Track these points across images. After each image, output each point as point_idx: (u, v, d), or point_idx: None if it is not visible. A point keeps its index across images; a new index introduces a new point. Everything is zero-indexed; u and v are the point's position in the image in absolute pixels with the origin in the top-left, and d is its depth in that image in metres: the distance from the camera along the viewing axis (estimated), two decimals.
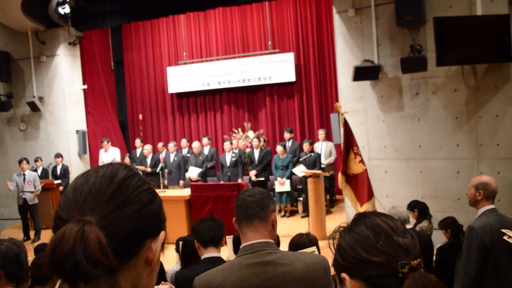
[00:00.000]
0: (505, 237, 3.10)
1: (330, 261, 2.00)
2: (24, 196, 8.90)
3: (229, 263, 2.04)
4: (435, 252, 4.92)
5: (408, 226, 4.43)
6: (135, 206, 0.84)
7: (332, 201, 10.12)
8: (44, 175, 10.10)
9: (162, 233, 0.90)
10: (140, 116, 13.22)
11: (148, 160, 10.43)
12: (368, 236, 1.11)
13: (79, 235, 0.74)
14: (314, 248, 3.19)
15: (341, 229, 1.20)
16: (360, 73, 7.79)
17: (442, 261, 4.72)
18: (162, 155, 10.52)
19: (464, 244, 3.51)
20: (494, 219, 3.42)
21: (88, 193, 0.83)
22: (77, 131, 11.05)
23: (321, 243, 3.95)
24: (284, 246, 3.86)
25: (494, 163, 7.06)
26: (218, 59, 12.22)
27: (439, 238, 5.65)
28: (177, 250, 4.22)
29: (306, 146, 9.16)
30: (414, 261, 1.05)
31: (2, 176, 10.81)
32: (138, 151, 10.93)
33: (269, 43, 11.71)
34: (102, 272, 0.75)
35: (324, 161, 9.56)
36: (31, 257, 3.91)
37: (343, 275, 1.13)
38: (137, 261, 0.84)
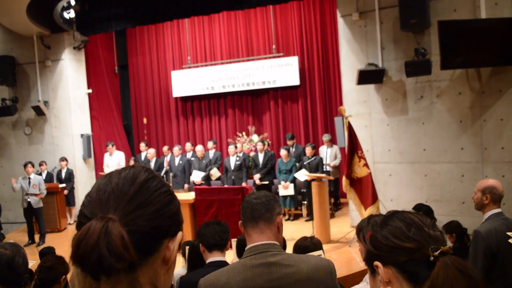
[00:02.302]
0: (511, 240, 3.09)
1: (336, 264, 2.02)
2: (29, 200, 8.92)
3: (234, 264, 2.06)
4: None
5: None
6: (154, 207, 0.89)
7: (337, 205, 10.10)
8: (48, 179, 10.13)
9: (180, 234, 0.94)
10: (145, 120, 13.25)
11: (152, 164, 10.45)
12: (400, 227, 1.17)
13: (103, 231, 0.79)
14: (320, 252, 3.19)
15: (371, 225, 1.25)
16: (364, 77, 7.79)
17: None
18: (167, 159, 10.55)
19: (470, 248, 3.49)
20: (500, 223, 3.39)
21: (111, 193, 0.88)
22: (82, 135, 11.08)
23: (325, 247, 3.95)
24: (289, 250, 3.86)
25: (499, 166, 7.04)
26: (222, 63, 12.25)
27: None
28: (183, 254, 4.22)
29: (308, 150, 9.16)
30: (444, 247, 1.10)
31: (7, 180, 10.84)
32: (143, 155, 10.96)
33: (273, 47, 11.73)
34: (124, 266, 0.79)
35: (330, 163, 9.55)
36: (35, 261, 3.92)
37: (376, 263, 1.18)
38: (155, 259, 0.88)
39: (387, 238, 1.17)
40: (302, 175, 8.59)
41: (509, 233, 3.14)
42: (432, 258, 1.09)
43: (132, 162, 10.86)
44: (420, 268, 1.11)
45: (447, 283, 1.05)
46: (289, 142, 10.20)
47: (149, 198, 0.89)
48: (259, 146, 9.97)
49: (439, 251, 1.09)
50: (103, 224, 0.79)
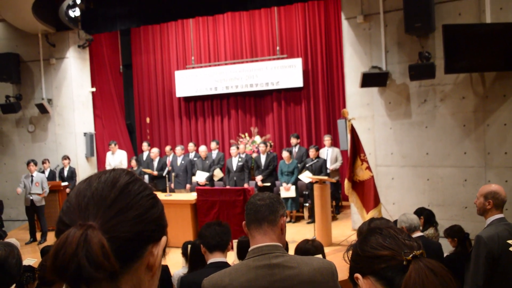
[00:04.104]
0: (511, 248, 3.08)
1: (337, 266, 2.03)
2: (31, 198, 8.94)
3: (237, 265, 2.08)
4: None
5: (418, 234, 4.43)
6: (136, 211, 0.85)
7: (338, 208, 10.09)
8: (51, 177, 10.15)
9: (164, 238, 0.91)
10: (148, 120, 13.26)
11: (155, 164, 10.46)
12: (377, 238, 1.25)
13: (82, 239, 0.76)
14: (319, 256, 3.18)
15: (353, 245, 1.33)
16: (368, 80, 7.79)
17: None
18: (169, 159, 10.54)
19: (472, 253, 3.48)
20: (502, 228, 3.39)
21: (90, 198, 0.84)
22: (85, 134, 11.10)
23: (327, 250, 3.94)
24: (290, 252, 3.84)
25: (502, 171, 7.02)
26: (226, 64, 12.25)
27: (445, 247, 5.62)
28: (183, 253, 4.23)
29: (312, 152, 9.15)
30: (417, 251, 1.15)
31: (10, 177, 10.89)
32: (145, 154, 10.97)
33: (277, 48, 11.72)
34: (104, 275, 0.76)
35: (329, 166, 9.54)
36: (36, 259, 3.93)
37: (356, 275, 1.25)
38: (138, 266, 0.85)
39: (364, 250, 1.24)
40: (306, 177, 8.59)
41: (509, 241, 3.13)
42: (405, 262, 1.14)
43: (134, 162, 10.87)
44: (396, 273, 1.16)
45: (418, 283, 1.09)
46: (293, 141, 10.18)
47: (131, 203, 0.85)
48: (262, 147, 9.96)
49: (411, 254, 1.14)
50: (82, 232, 0.76)
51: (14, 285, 2.77)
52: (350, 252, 1.31)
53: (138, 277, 0.85)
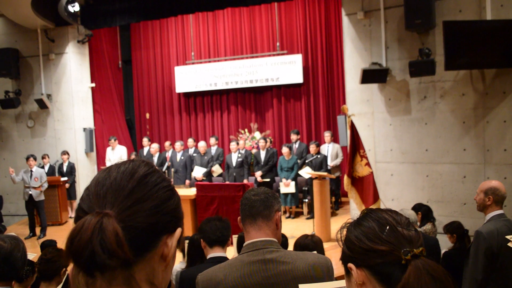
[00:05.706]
0: (510, 244, 3.09)
1: (334, 262, 2.02)
2: (30, 192, 8.94)
3: (231, 260, 2.09)
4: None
5: None
6: (153, 202, 0.87)
7: (338, 203, 10.10)
8: (51, 172, 10.16)
9: (179, 230, 0.92)
10: (147, 115, 13.25)
11: (155, 159, 10.46)
12: (373, 227, 1.15)
13: (97, 227, 0.78)
14: (315, 252, 3.19)
15: (348, 224, 1.24)
16: (368, 76, 7.78)
17: (447, 266, 4.69)
18: (168, 154, 10.55)
19: (472, 249, 3.49)
20: (502, 224, 3.40)
21: (109, 187, 0.87)
22: (84, 129, 11.09)
23: (326, 245, 3.95)
24: (290, 248, 3.86)
25: (501, 168, 7.03)
26: (226, 60, 12.24)
27: (443, 242, 5.63)
28: (181, 249, 4.23)
29: (312, 148, 9.16)
30: (417, 249, 1.09)
31: (9, 173, 10.87)
32: (145, 149, 10.98)
33: (277, 44, 11.71)
34: (117, 263, 0.78)
35: (330, 163, 9.55)
36: (36, 253, 3.93)
37: (350, 265, 1.18)
38: (152, 256, 0.87)
39: (360, 240, 1.16)
40: (305, 172, 8.59)
41: (508, 237, 3.14)
42: (404, 261, 1.08)
43: (133, 157, 10.85)
44: (393, 270, 1.10)
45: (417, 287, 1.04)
46: (293, 137, 10.18)
47: (148, 194, 0.87)
48: (261, 143, 9.96)
49: (411, 254, 1.08)
50: (98, 219, 0.78)
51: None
52: (345, 232, 1.23)
53: (151, 266, 0.87)
